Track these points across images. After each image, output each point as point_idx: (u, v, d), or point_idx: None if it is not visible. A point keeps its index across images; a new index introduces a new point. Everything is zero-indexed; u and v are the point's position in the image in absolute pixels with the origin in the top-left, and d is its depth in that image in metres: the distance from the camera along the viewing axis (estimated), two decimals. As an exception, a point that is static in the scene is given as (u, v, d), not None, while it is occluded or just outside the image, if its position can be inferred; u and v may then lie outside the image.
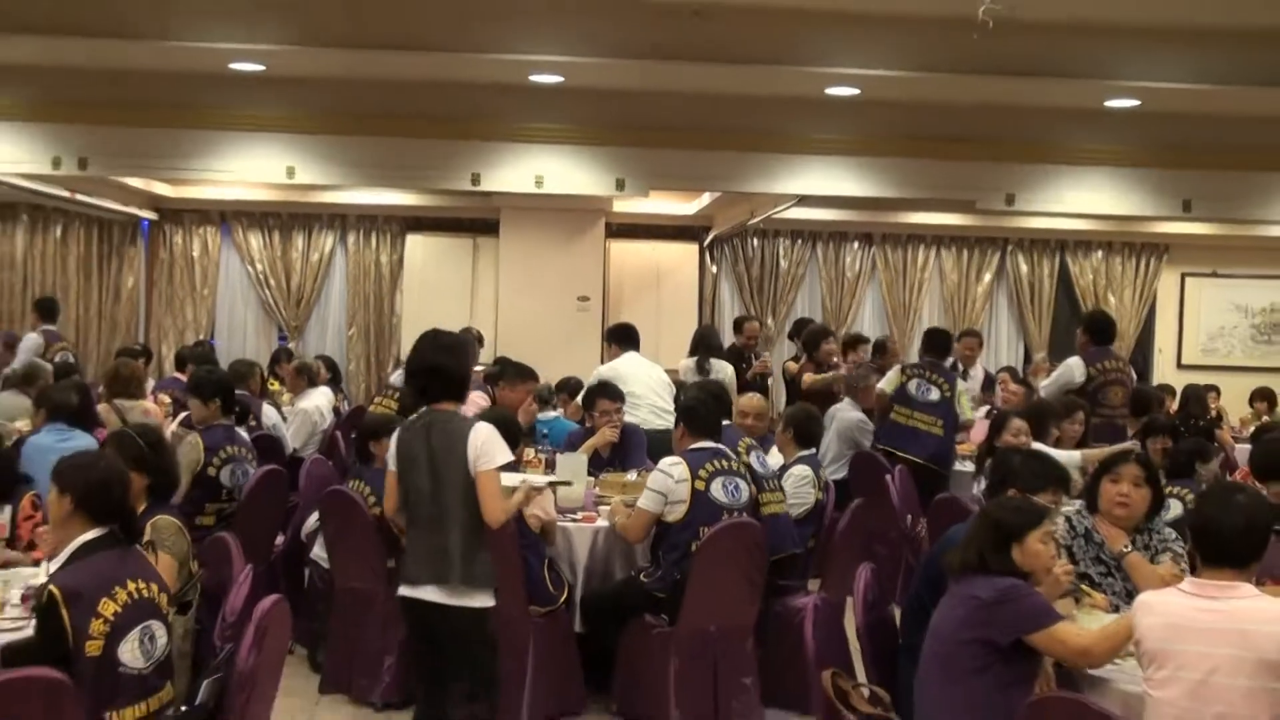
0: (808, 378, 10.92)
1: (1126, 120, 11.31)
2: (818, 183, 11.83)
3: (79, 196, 13.89)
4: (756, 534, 6.47)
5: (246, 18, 9.49)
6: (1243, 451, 9.39)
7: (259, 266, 15.76)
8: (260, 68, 10.52)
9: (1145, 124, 11.37)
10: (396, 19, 9.41)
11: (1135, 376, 10.86)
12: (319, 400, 10.39)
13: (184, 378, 9.60)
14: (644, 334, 13.20)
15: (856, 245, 16.10)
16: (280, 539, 7.96)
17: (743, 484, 6.60)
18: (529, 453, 7.38)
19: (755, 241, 15.94)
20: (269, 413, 9.66)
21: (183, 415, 8.00)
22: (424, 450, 5.29)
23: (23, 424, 8.00)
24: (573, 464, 7.09)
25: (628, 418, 8.36)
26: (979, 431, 9.58)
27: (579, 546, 6.69)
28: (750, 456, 7.07)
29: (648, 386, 8.82)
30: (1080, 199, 12.22)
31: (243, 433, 8.13)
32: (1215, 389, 12.65)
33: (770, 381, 11.09)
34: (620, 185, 11.75)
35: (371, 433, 7.16)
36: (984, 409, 10.59)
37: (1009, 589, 4.16)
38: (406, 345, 14.70)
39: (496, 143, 11.59)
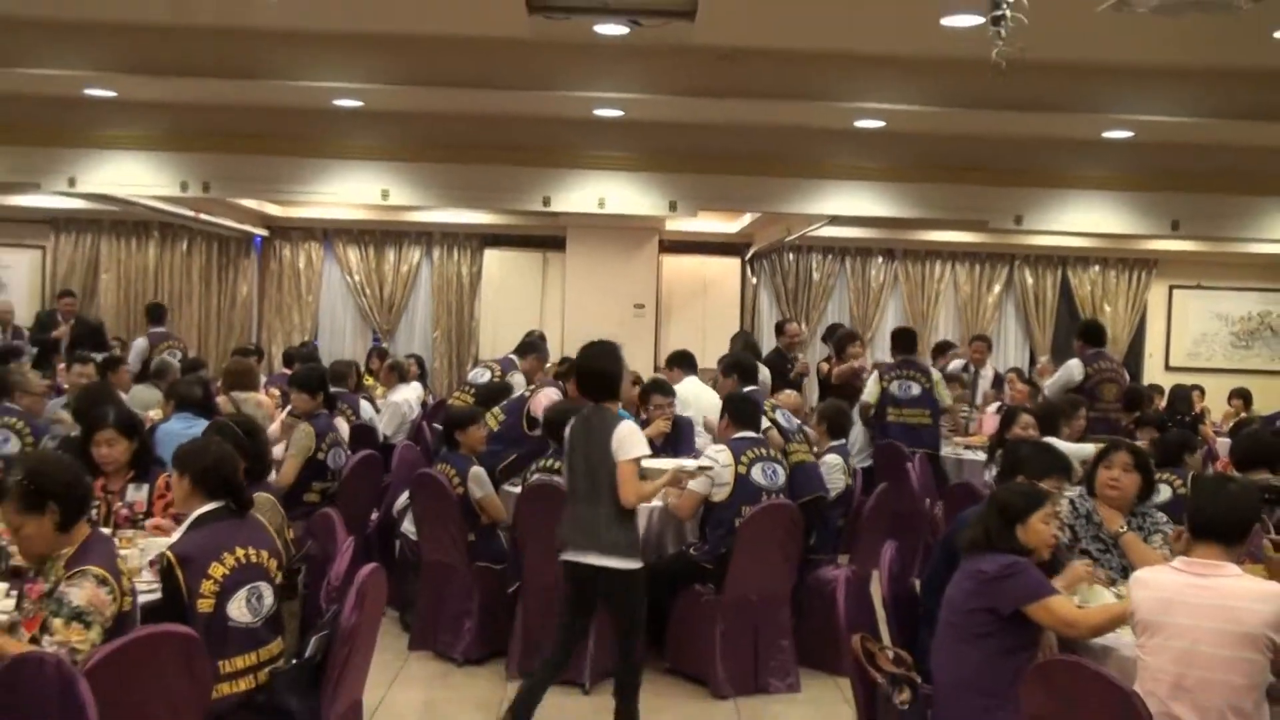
0: (835, 369, 10.86)
1: (1121, 149, 11.30)
2: (846, 204, 11.78)
3: (202, 216, 14.02)
4: (793, 514, 6.49)
5: (347, 61, 9.58)
6: (1223, 444, 9.32)
7: (356, 277, 15.87)
8: (359, 104, 10.61)
9: (1137, 153, 11.36)
10: (479, 61, 9.46)
11: (1128, 376, 10.81)
12: (409, 394, 10.44)
13: (290, 373, 9.66)
14: (691, 337, 13.29)
15: (880, 260, 16.03)
16: (374, 515, 8.00)
17: (779, 469, 6.62)
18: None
19: (791, 256, 15.91)
20: (364, 406, 9.72)
21: (289, 406, 8.06)
22: (584, 439, 5.55)
23: (155, 413, 8.08)
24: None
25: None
26: (989, 424, 9.53)
27: (639, 526, 6.68)
28: (776, 414, 7.21)
29: (700, 411, 8.78)
30: (1080, 219, 12.16)
31: (341, 421, 8.20)
32: (1200, 389, 12.64)
33: (805, 380, 11.03)
34: (673, 206, 11.77)
35: (458, 423, 7.14)
36: (995, 405, 10.51)
37: (1010, 565, 4.16)
38: (484, 347, 14.90)
39: (564, 169, 11.64)
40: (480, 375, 9.39)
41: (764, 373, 10.10)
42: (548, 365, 9.54)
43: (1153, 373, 15.45)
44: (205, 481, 4.28)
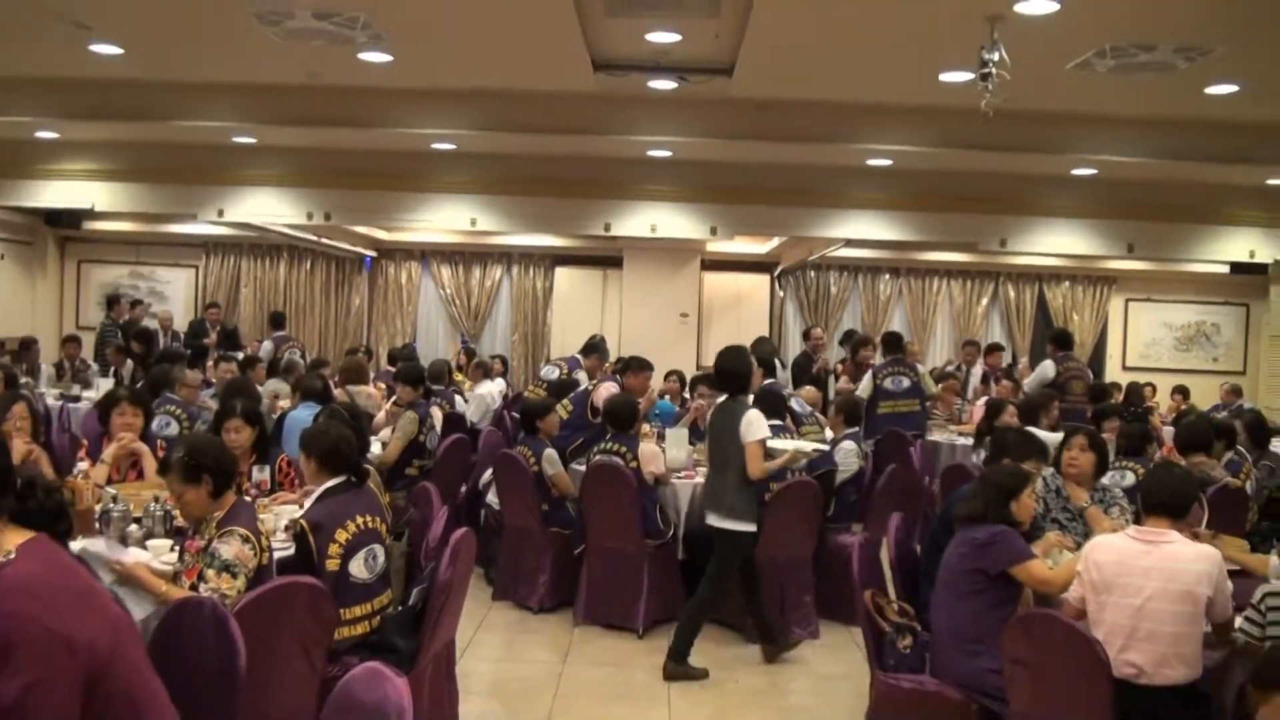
0: (842, 383, 10.80)
1: (1086, 184, 11.33)
2: (859, 229, 11.74)
3: (323, 240, 14.16)
4: (814, 490, 6.46)
5: (444, 112, 9.67)
6: (1168, 432, 9.26)
7: (448, 290, 15.95)
8: (452, 146, 10.70)
9: (1100, 187, 11.38)
10: (552, 111, 9.54)
11: (1092, 374, 10.76)
12: (492, 387, 10.48)
13: (393, 370, 9.76)
14: (728, 341, 13.17)
15: (887, 276, 15.91)
16: (463, 488, 8.03)
17: (803, 451, 6.59)
18: (645, 427, 7.43)
19: (812, 273, 15.83)
20: (455, 398, 9.81)
21: (394, 397, 8.14)
22: (720, 423, 5.84)
23: (284, 402, 8.20)
24: (678, 435, 7.13)
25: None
26: (978, 415, 9.47)
27: (682, 497, 6.69)
28: (792, 402, 7.19)
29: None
30: (1053, 242, 12.08)
31: (436, 410, 8.26)
32: (1152, 385, 12.60)
33: (828, 377, 10.99)
34: (713, 231, 11.76)
35: (537, 413, 7.15)
36: (983, 400, 10.44)
37: (999, 534, 4.17)
38: (554, 348, 14.95)
39: (622, 200, 11.66)
40: (550, 372, 9.42)
41: (784, 375, 10.09)
42: (606, 365, 9.57)
43: (1112, 371, 15.29)
44: (328, 460, 4.32)
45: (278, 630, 3.47)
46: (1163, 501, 3.90)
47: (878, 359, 10.08)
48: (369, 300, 16.20)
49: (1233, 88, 8.09)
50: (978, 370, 12.12)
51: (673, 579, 6.67)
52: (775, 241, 14.50)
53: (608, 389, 7.77)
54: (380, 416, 7.97)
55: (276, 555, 4.09)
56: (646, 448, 6.65)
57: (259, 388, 8.53)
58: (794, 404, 7.42)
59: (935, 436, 9.66)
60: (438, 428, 7.88)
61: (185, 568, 3.77)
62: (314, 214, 11.61)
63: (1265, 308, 14.13)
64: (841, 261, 15.47)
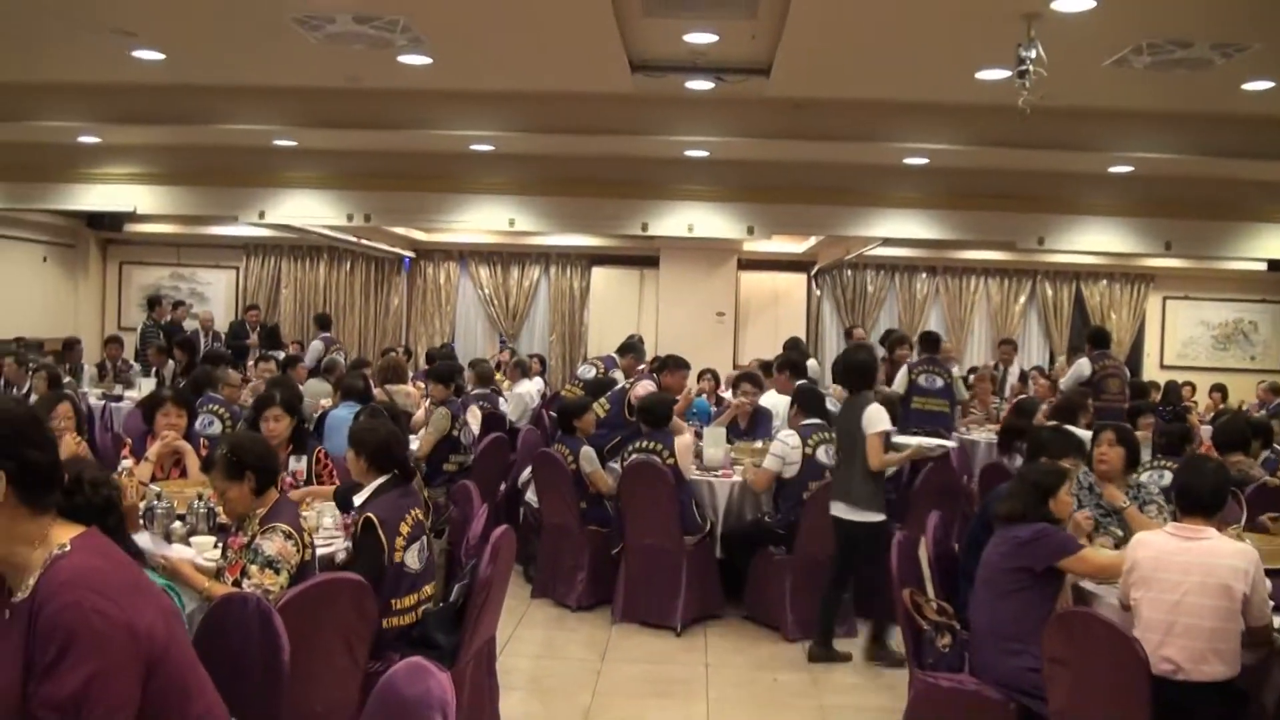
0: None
1: (1124, 182, 11.19)
2: (896, 228, 11.67)
3: (363, 241, 14.27)
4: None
5: (482, 113, 9.70)
6: (1206, 430, 9.16)
7: (486, 290, 16.04)
8: (491, 148, 10.74)
9: (1137, 185, 11.23)
10: (590, 112, 9.54)
11: (1129, 372, 10.68)
12: (530, 387, 10.50)
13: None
14: (765, 341, 13.23)
15: (924, 275, 15.84)
16: (503, 486, 8.04)
17: (840, 451, 6.57)
18: (682, 424, 7.42)
19: (849, 272, 15.79)
20: (499, 401, 9.83)
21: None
22: (845, 417, 6.05)
23: (326, 401, 8.26)
24: (715, 434, 7.12)
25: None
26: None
27: (720, 495, 6.71)
28: (827, 402, 7.19)
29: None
30: (1090, 240, 11.94)
31: (474, 408, 8.28)
32: (1190, 384, 12.52)
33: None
34: (750, 231, 11.71)
35: (574, 413, 7.16)
36: (1020, 397, 10.36)
37: (1041, 530, 4.15)
38: (591, 348, 14.98)
39: (659, 200, 11.64)
40: (587, 371, 9.43)
41: (813, 366, 10.04)
42: (642, 365, 9.56)
43: (1150, 370, 15.18)
44: (378, 458, 4.37)
45: (321, 625, 3.50)
46: (1198, 500, 3.88)
47: (914, 358, 10.03)
48: (408, 301, 16.31)
49: (1270, 83, 7.98)
50: (1015, 369, 12.07)
51: (711, 577, 6.67)
52: (812, 241, 14.46)
53: (644, 388, 7.77)
54: (419, 415, 8.02)
55: (322, 551, 4.13)
56: (681, 440, 6.66)
57: (300, 388, 8.59)
58: (828, 402, 7.39)
59: (973, 435, 9.60)
60: (474, 425, 7.90)
61: (228, 564, 3.80)
62: (354, 215, 11.68)
63: (1304, 305, 13.99)
64: (878, 260, 15.41)
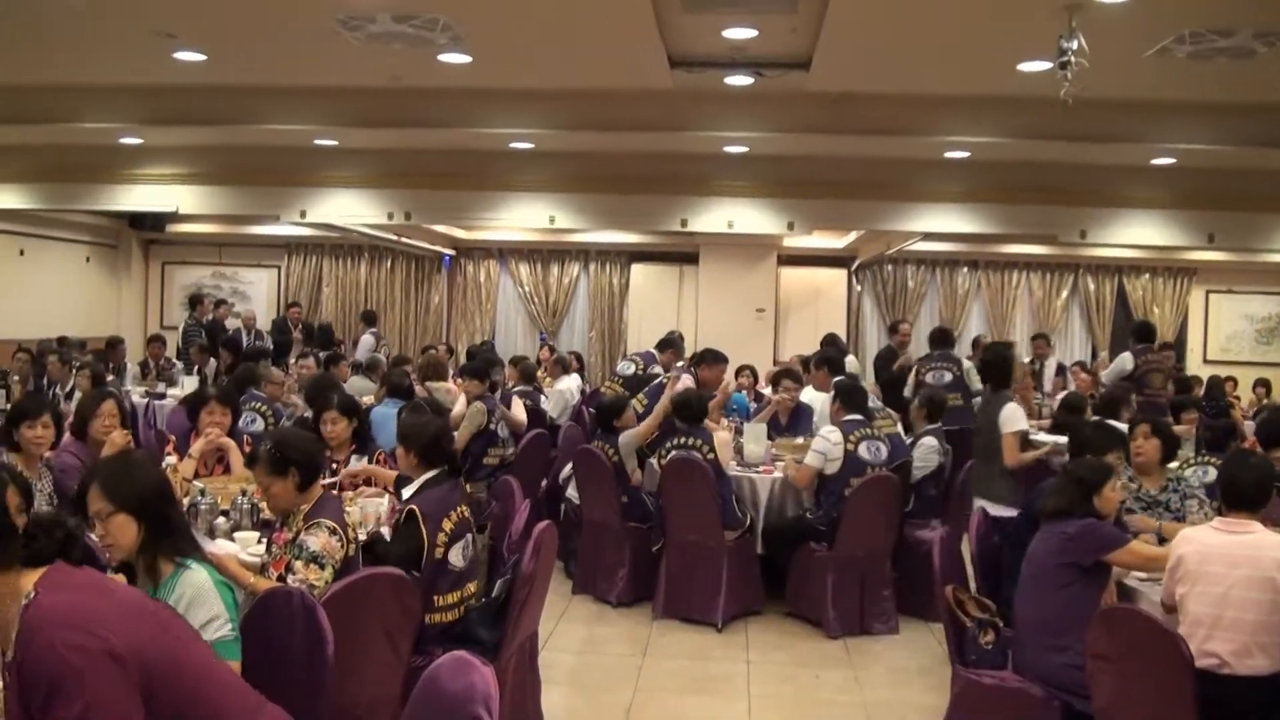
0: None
1: (1166, 174, 10.99)
2: (937, 222, 11.57)
3: (403, 239, 14.36)
4: (893, 485, 6.43)
5: (522, 111, 9.73)
6: (1249, 426, 9.04)
7: (526, 288, 16.10)
8: (530, 145, 10.77)
9: (1180, 177, 11.05)
10: (629, 108, 9.53)
11: (1172, 367, 10.61)
12: (570, 383, 10.50)
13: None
14: (805, 337, 13.17)
15: (965, 270, 15.72)
16: (544, 483, 8.09)
17: (883, 446, 6.54)
18: (723, 421, 7.42)
19: (889, 267, 15.70)
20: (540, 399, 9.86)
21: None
22: (984, 415, 6.37)
23: (369, 399, 8.33)
24: (757, 430, 7.11)
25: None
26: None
27: (761, 491, 6.71)
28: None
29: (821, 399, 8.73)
30: (1133, 233, 11.78)
31: (518, 403, 8.31)
32: (1233, 379, 12.40)
33: (909, 373, 10.81)
34: (790, 226, 11.67)
35: (614, 412, 7.18)
36: (1061, 394, 10.27)
37: (1088, 525, 4.13)
38: (631, 344, 14.98)
39: (699, 196, 11.62)
40: (626, 368, 9.42)
41: (851, 363, 9.99)
42: (680, 362, 9.55)
43: (1193, 365, 15.00)
44: (428, 453, 4.39)
45: (364, 620, 3.53)
46: (1243, 494, 3.88)
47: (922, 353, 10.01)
48: (448, 298, 16.40)
49: (1313, 72, 7.84)
50: (1051, 364, 12.01)
51: (752, 573, 6.66)
52: (852, 236, 14.39)
53: (684, 383, 7.77)
54: (458, 409, 8.06)
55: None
56: (720, 435, 6.66)
57: (344, 385, 8.66)
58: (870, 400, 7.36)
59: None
60: (520, 414, 7.91)
61: (273, 559, 3.83)
62: (394, 214, 11.74)
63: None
64: (919, 255, 15.31)
